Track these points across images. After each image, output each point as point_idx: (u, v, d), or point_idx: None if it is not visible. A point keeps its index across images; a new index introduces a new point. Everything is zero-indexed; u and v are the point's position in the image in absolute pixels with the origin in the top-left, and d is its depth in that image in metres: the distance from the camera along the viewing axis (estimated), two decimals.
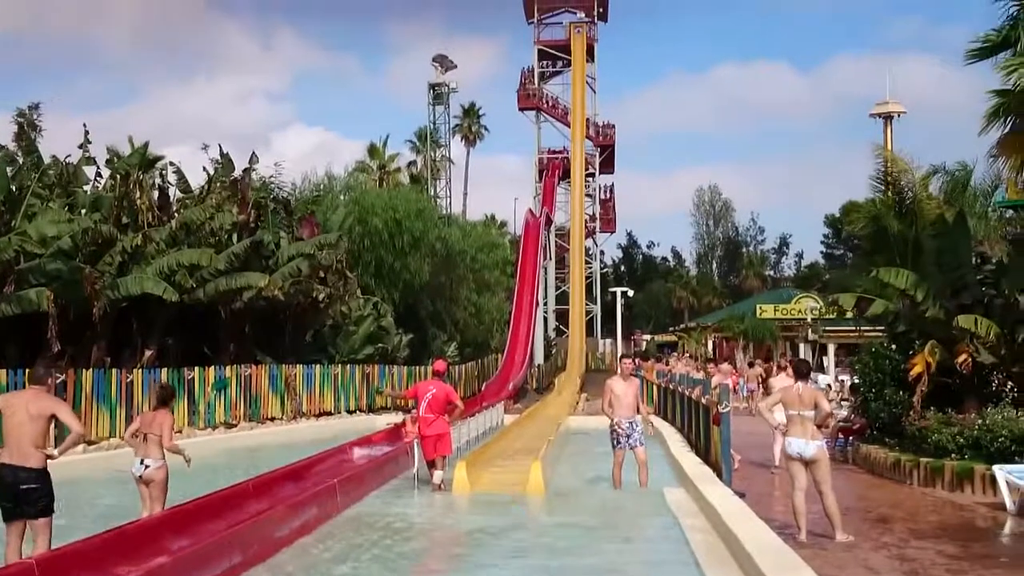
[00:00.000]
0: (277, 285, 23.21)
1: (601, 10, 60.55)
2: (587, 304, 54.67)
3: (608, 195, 62.83)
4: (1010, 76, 13.98)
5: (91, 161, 23.73)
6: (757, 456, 16.24)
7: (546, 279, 52.00)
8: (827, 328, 44.54)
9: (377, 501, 11.95)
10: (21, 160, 22.44)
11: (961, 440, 13.78)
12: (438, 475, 12.58)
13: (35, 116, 23.98)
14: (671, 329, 65.78)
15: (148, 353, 21.68)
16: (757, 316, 52.81)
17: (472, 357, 37.35)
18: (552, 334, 54.05)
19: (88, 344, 20.35)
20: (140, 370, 19.83)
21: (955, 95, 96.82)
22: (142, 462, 9.13)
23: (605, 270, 71.51)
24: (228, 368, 22.40)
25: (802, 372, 10.44)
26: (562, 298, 55.25)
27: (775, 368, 21.45)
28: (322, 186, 40.51)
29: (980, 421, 13.77)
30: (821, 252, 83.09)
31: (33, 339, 18.71)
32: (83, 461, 15.31)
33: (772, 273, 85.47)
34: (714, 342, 55.77)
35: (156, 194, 24.42)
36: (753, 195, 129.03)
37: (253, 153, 27.12)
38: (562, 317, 55.14)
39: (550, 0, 60.74)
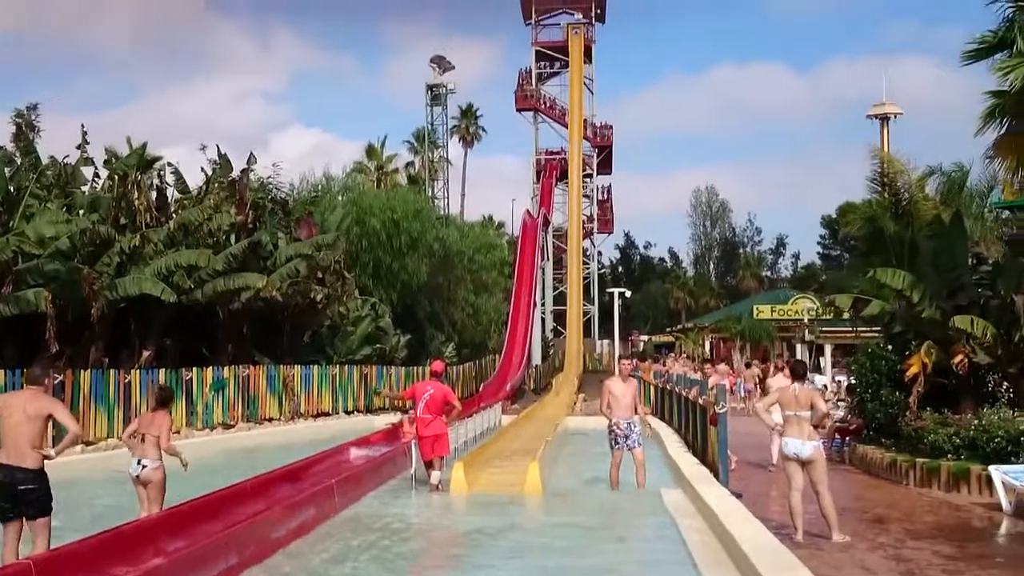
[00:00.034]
0: (275, 286, 23.20)
1: (599, 11, 60.62)
2: (584, 305, 54.70)
3: (606, 196, 62.90)
4: (1006, 77, 14.02)
5: (89, 162, 23.71)
6: (754, 456, 16.26)
7: (544, 280, 52.02)
8: (824, 329, 44.56)
9: (375, 502, 11.96)
10: (19, 161, 22.42)
11: (957, 440, 13.81)
12: (436, 476, 12.59)
13: (33, 117, 23.98)
14: (668, 330, 65.83)
15: (146, 354, 21.67)
16: (754, 317, 52.82)
17: (470, 358, 37.36)
18: (550, 335, 54.09)
19: (86, 345, 20.35)
20: (138, 371, 19.83)
21: (952, 96, 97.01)
22: (139, 462, 9.13)
23: (603, 271, 71.58)
24: (226, 369, 22.39)
25: (798, 373, 10.46)
26: (560, 299, 55.28)
27: (773, 369, 21.47)
28: (320, 187, 40.51)
29: (976, 422, 13.79)
30: (818, 253, 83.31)
31: (31, 340, 18.70)
32: (81, 461, 15.31)
33: (769, 274, 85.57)
34: (711, 343, 55.81)
35: (154, 195, 24.42)
36: (750, 196, 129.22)
37: (251, 154, 27.13)
38: (560, 318, 55.16)
39: (548, 1, 60.80)
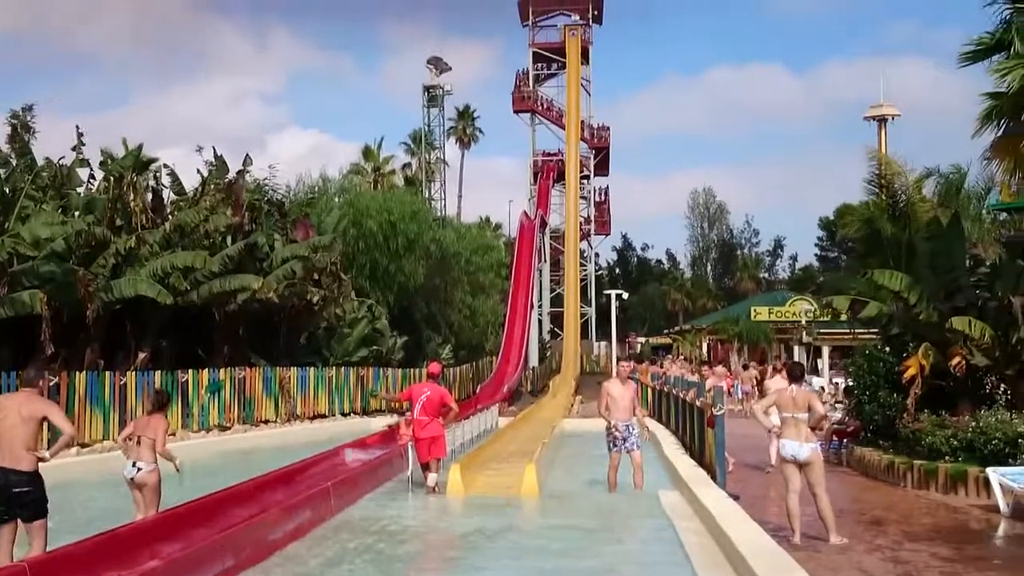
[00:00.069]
0: (271, 287, 23.18)
1: (596, 13, 60.61)
2: (582, 306, 54.67)
3: (603, 197, 62.86)
4: (1004, 79, 14.02)
5: (85, 163, 23.68)
6: (751, 458, 16.25)
7: (541, 281, 51.98)
8: (821, 331, 44.60)
9: (371, 504, 11.93)
10: (14, 162, 22.37)
11: (955, 442, 13.80)
12: (432, 478, 12.56)
13: (29, 118, 23.92)
14: (666, 331, 65.85)
15: (142, 356, 21.62)
16: (751, 318, 52.83)
17: (467, 359, 37.35)
18: (547, 336, 54.07)
19: (81, 347, 20.29)
20: (134, 373, 19.79)
21: (949, 98, 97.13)
22: (134, 465, 9.10)
23: (600, 272, 71.58)
24: (222, 371, 22.37)
25: (796, 375, 10.45)
26: (557, 300, 55.25)
27: (771, 371, 21.47)
28: (316, 188, 40.54)
29: (974, 423, 13.78)
30: (815, 255, 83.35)
31: (26, 342, 18.65)
32: (76, 464, 15.28)
33: (766, 275, 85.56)
34: (709, 344, 55.81)
35: (150, 196, 24.36)
36: (748, 198, 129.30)
37: (247, 155, 27.11)
38: (557, 319, 55.11)
39: (545, 3, 60.78)
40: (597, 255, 67.60)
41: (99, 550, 7.45)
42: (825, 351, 46.39)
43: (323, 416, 25.84)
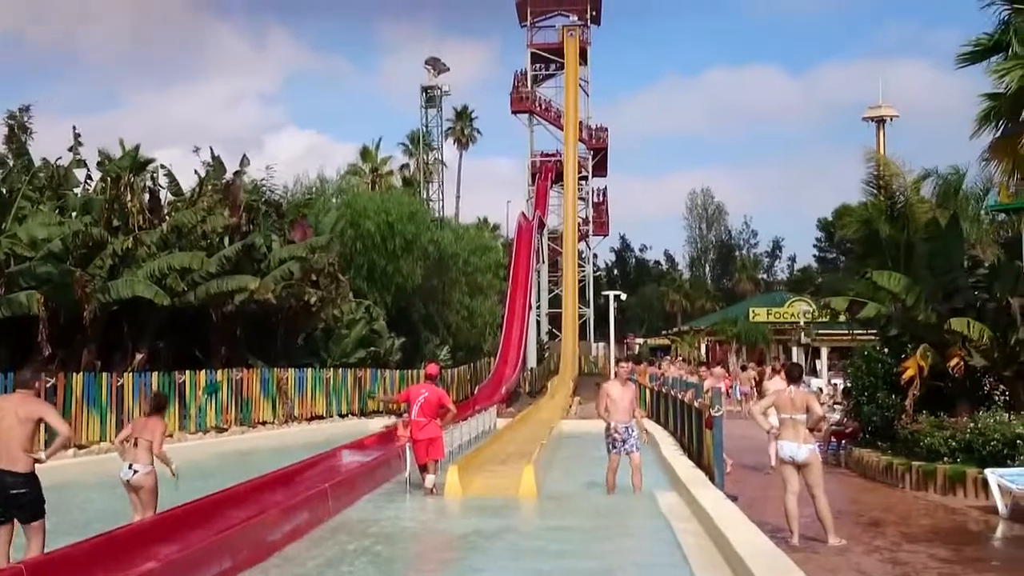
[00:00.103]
0: (269, 288, 23.17)
1: (594, 13, 60.64)
2: (580, 307, 54.67)
3: (601, 198, 62.86)
4: (1002, 80, 14.02)
5: (82, 164, 23.68)
6: (750, 459, 16.24)
7: (539, 282, 51.95)
8: (820, 332, 44.63)
9: (369, 505, 11.91)
10: (11, 163, 22.36)
11: (953, 444, 13.79)
12: (430, 479, 12.55)
13: (26, 118, 23.85)
14: (664, 332, 65.86)
15: (139, 357, 21.60)
16: (750, 319, 52.85)
17: (465, 361, 37.33)
18: (545, 338, 54.05)
19: (78, 347, 20.28)
20: (131, 374, 19.78)
21: (948, 99, 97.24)
22: (131, 467, 9.06)
23: (598, 273, 71.60)
24: (219, 372, 22.35)
25: (794, 376, 10.45)
26: (555, 301, 55.24)
27: (770, 372, 21.46)
28: (314, 189, 40.53)
29: (972, 425, 13.77)
30: (814, 256, 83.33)
31: (23, 342, 18.63)
32: (73, 465, 15.26)
33: (765, 276, 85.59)
34: (707, 345, 55.82)
35: (147, 197, 24.37)
36: (746, 198, 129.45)
37: (244, 156, 27.14)
38: (555, 320, 55.12)
39: (543, 3, 60.79)
40: (595, 256, 67.81)
41: (96, 552, 7.44)
42: (824, 352, 46.44)
43: (321, 417, 25.82)
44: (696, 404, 15.13)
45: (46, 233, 19.33)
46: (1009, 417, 13.82)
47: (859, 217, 18.89)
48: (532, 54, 60.66)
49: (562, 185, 56.92)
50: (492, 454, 16.59)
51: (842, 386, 23.61)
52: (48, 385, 16.66)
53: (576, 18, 60.02)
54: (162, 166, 25.89)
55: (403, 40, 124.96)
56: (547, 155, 60.03)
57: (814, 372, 41.66)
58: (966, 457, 13.51)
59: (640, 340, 64.61)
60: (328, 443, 17.52)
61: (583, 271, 58.78)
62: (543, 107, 60.17)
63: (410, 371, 29.72)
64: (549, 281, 55.67)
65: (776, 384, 14.74)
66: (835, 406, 22.15)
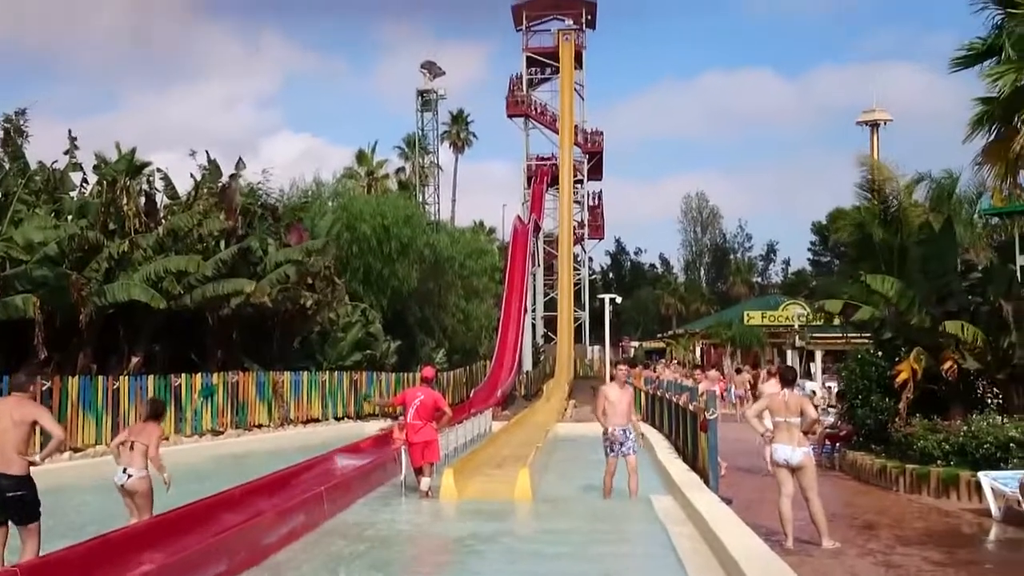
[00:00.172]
0: (265, 291, 23.16)
1: (589, 18, 60.67)
2: (575, 311, 54.71)
3: (596, 202, 62.90)
4: (995, 83, 14.08)
5: (78, 167, 23.65)
6: (744, 462, 16.26)
7: (534, 286, 51.99)
8: (814, 335, 44.65)
9: (364, 509, 11.92)
10: (7, 166, 22.33)
11: (947, 447, 13.84)
12: (425, 482, 12.55)
13: (22, 121, 23.81)
14: (659, 336, 65.89)
15: (135, 360, 21.59)
16: (745, 323, 52.90)
17: (460, 364, 37.33)
18: (540, 341, 54.05)
19: (74, 351, 20.25)
20: (127, 377, 19.77)
21: (942, 103, 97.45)
22: (125, 471, 9.03)
23: (593, 277, 71.59)
24: (215, 375, 22.33)
25: (788, 379, 10.47)
26: (550, 305, 55.25)
27: (766, 375, 21.52)
28: (310, 192, 40.53)
29: (966, 428, 13.83)
30: (808, 259, 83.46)
31: (19, 346, 18.60)
32: (69, 468, 15.26)
33: (759, 280, 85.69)
34: (702, 349, 55.87)
35: (143, 200, 24.34)
36: (741, 202, 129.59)
37: (239, 159, 27.11)
38: (550, 324, 55.14)
39: (539, 7, 60.84)
40: (591, 259, 67.72)
41: (92, 555, 7.43)
42: (818, 355, 46.47)
43: (316, 420, 25.81)
44: (691, 407, 15.16)
45: (42, 236, 19.31)
46: (1002, 420, 13.89)
47: (853, 221, 18.97)
48: (527, 58, 60.70)
49: (557, 189, 56.96)
50: (488, 457, 16.60)
51: (836, 389, 23.67)
52: (44, 388, 16.65)
53: (571, 22, 60.08)
54: (158, 169, 25.91)
55: (399, 44, 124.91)
56: (542, 159, 60.08)
57: (808, 375, 41.69)
58: (959, 460, 13.56)
59: (635, 343, 64.68)
60: (324, 446, 17.52)
61: (578, 274, 58.81)
62: (539, 111, 60.22)
63: (406, 374, 29.71)
64: (545, 284, 55.70)
65: (772, 387, 14.77)
66: (829, 409, 22.21)
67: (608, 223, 64.37)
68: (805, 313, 45.72)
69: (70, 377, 18.18)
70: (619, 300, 54.49)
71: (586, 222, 60.55)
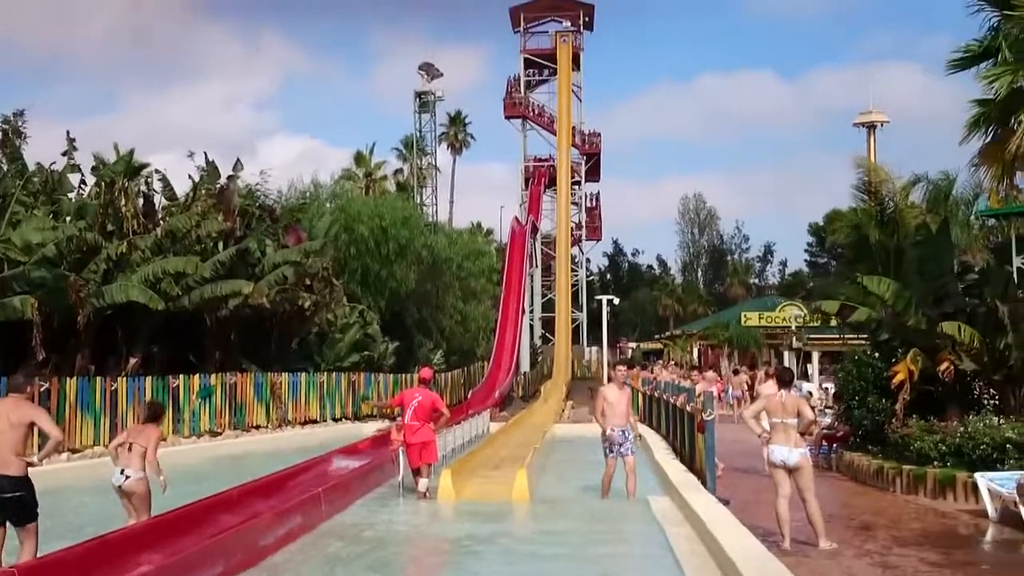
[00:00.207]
0: (263, 293, 23.16)
1: (587, 19, 60.75)
2: (573, 312, 54.72)
3: (594, 203, 62.97)
4: (992, 85, 14.11)
5: (76, 168, 23.65)
6: (742, 463, 16.28)
7: (532, 287, 52.02)
8: (811, 336, 44.72)
9: (362, 510, 11.93)
10: (5, 167, 22.34)
11: (943, 448, 13.86)
12: (423, 483, 12.57)
13: (20, 123, 23.84)
14: (657, 337, 65.93)
15: (133, 361, 21.59)
16: (742, 324, 52.94)
17: (458, 365, 37.34)
18: (538, 342, 54.08)
19: (72, 352, 20.26)
20: (124, 378, 19.76)
21: (938, 104, 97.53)
22: (122, 472, 9.02)
23: (591, 278, 71.59)
24: (213, 376, 22.33)
25: (785, 380, 10.48)
26: (548, 306, 55.28)
27: (763, 376, 21.54)
28: (308, 194, 40.52)
29: (962, 429, 13.84)
30: (805, 260, 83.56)
31: (17, 347, 18.60)
32: (67, 469, 15.26)
33: (757, 281, 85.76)
34: (699, 350, 55.89)
35: (141, 202, 24.36)
36: (738, 203, 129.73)
37: (237, 160, 27.12)
38: (548, 325, 55.16)
39: (536, 9, 60.91)
40: (588, 260, 67.76)
41: (90, 556, 7.44)
42: (815, 356, 46.52)
43: (314, 421, 25.81)
44: (688, 408, 15.18)
45: (40, 238, 19.32)
46: (999, 421, 13.90)
47: (849, 222, 19.00)
48: (525, 60, 60.76)
49: (555, 190, 57.00)
50: (485, 458, 16.61)
51: (833, 390, 23.70)
52: (42, 389, 16.65)
53: (569, 24, 60.18)
54: (156, 171, 25.93)
55: (397, 45, 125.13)
56: (540, 160, 60.13)
57: (805, 376, 41.73)
58: (956, 461, 13.58)
59: (633, 344, 64.68)
60: (322, 447, 17.52)
61: (576, 275, 58.85)
62: (536, 112, 60.27)
63: (404, 375, 29.72)
64: (542, 285, 55.75)
65: (770, 388, 14.79)
66: (826, 410, 22.24)
67: (606, 224, 64.56)
68: (802, 314, 45.76)
69: (68, 378, 18.18)
70: (616, 301, 54.53)
71: (584, 223, 60.60)
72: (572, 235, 57.06)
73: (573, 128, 58.01)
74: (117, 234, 22.12)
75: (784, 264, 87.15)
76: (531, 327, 51.13)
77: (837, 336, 30.73)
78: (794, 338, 46.35)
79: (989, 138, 14.85)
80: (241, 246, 24.70)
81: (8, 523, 7.65)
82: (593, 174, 62.02)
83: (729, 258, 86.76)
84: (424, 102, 55.41)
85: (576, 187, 59.61)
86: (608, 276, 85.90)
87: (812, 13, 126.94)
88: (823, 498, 10.47)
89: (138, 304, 20.60)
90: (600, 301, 44.51)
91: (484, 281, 44.66)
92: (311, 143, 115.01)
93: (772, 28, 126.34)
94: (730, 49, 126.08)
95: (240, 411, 23.02)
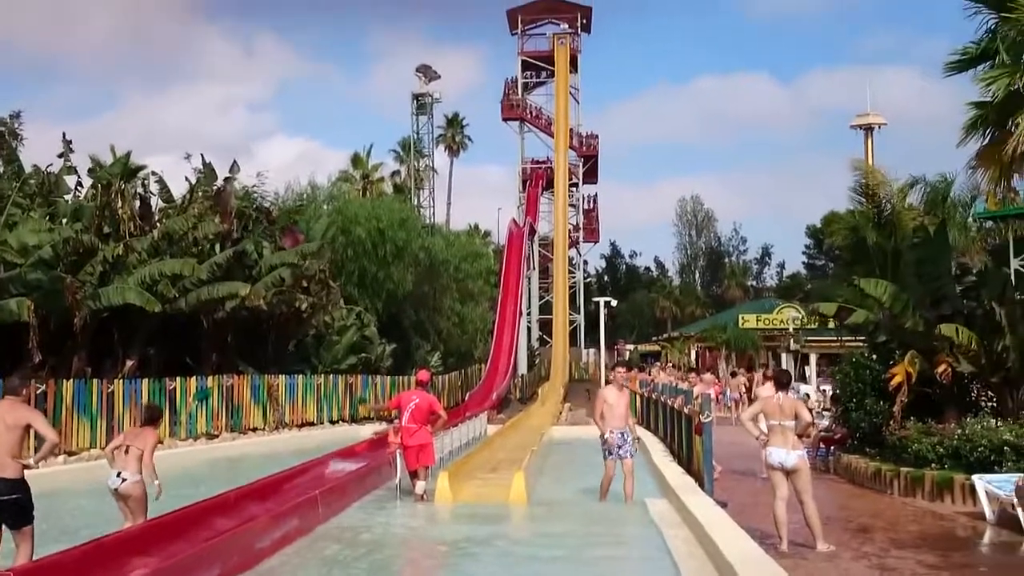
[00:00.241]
0: (259, 295, 23.15)
1: (584, 22, 60.76)
2: (570, 314, 54.70)
3: (591, 205, 62.98)
4: (989, 88, 14.10)
5: (72, 170, 23.64)
6: (739, 465, 16.28)
7: (529, 289, 52.03)
8: (809, 338, 44.70)
9: (359, 512, 11.91)
10: (2, 169, 22.32)
11: (941, 450, 13.85)
12: (420, 485, 12.55)
13: (16, 125, 23.86)
14: (654, 339, 65.92)
15: (129, 363, 21.57)
16: (739, 326, 52.96)
17: (455, 367, 37.33)
18: (535, 344, 54.08)
19: (69, 354, 20.24)
20: (121, 381, 19.72)
21: (936, 107, 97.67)
22: (119, 475, 9.00)
23: (588, 280, 71.62)
24: (210, 378, 22.30)
25: (782, 382, 10.49)
26: (545, 308, 55.27)
27: (762, 377, 21.51)
28: (305, 196, 40.50)
29: (960, 431, 13.84)
30: (803, 262, 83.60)
31: (13, 349, 18.58)
32: (64, 472, 15.24)
33: (754, 283, 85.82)
34: (697, 352, 55.89)
35: (138, 204, 24.34)
36: (735, 205, 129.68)
37: (234, 162, 27.10)
38: (545, 327, 55.17)
39: (534, 11, 60.93)
40: (586, 262, 67.76)
41: (86, 559, 7.42)
42: (812, 358, 46.50)
43: (311, 424, 25.80)
44: (686, 410, 15.17)
45: (36, 240, 19.30)
46: (996, 423, 13.90)
47: (847, 224, 19.00)
48: (523, 62, 60.76)
49: (552, 192, 57.00)
50: (483, 460, 16.59)
51: (830, 392, 23.68)
52: (38, 392, 16.63)
53: (566, 26, 60.20)
54: (153, 173, 25.92)
55: (394, 47, 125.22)
56: (538, 162, 60.12)
57: (803, 378, 41.75)
58: (954, 463, 13.57)
59: (630, 346, 64.67)
60: (319, 450, 17.48)
61: (573, 278, 58.82)
62: (534, 114, 60.28)
63: (401, 377, 29.72)
64: (540, 287, 55.76)
65: (768, 390, 14.77)
66: (824, 412, 22.22)
67: (603, 226, 64.61)
68: (799, 316, 45.74)
69: (64, 381, 18.14)
70: (614, 303, 54.58)
71: (581, 225, 60.61)
72: (570, 237, 57.05)
73: (571, 130, 58.02)
74: (114, 236, 22.12)
75: (782, 266, 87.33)
76: (528, 329, 51.14)
77: (835, 338, 30.70)
78: (792, 340, 46.35)
79: (987, 140, 14.84)
80: (238, 248, 24.69)
81: (4, 526, 7.63)
82: (591, 176, 62.04)
83: (727, 260, 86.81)
84: (421, 104, 55.41)
85: (574, 189, 59.63)
86: (606, 278, 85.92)
87: (810, 14, 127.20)
88: (821, 500, 10.46)
89: (135, 306, 20.58)
90: (598, 303, 44.55)
91: (482, 283, 44.65)
92: (308, 145, 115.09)
93: (768, 30, 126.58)
94: (727, 51, 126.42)
95: (237, 413, 22.99)
